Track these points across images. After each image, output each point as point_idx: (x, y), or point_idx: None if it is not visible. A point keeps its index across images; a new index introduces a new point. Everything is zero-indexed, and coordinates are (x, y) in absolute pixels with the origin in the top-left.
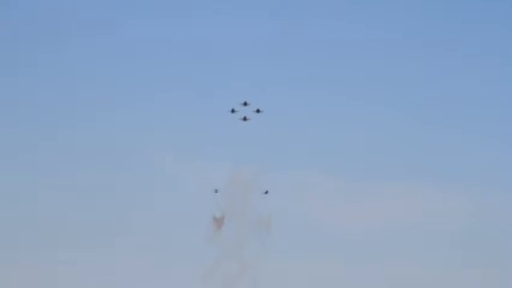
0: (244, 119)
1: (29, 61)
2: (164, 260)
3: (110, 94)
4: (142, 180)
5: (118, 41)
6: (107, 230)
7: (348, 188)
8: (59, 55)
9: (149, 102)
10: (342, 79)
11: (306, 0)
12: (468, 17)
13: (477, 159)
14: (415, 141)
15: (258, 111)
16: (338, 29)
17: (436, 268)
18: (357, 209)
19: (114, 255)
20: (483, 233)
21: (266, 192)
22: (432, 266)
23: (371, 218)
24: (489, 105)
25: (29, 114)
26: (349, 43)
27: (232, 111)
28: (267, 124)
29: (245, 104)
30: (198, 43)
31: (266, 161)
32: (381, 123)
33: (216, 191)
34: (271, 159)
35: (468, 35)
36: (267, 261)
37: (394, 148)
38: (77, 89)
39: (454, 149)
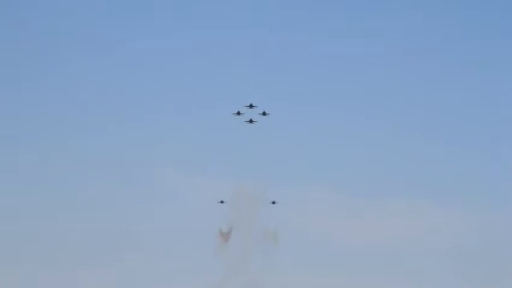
0: (250, 121)
1: (38, 73)
2: (172, 272)
3: (115, 108)
4: (148, 194)
5: (121, 54)
6: (114, 243)
7: (351, 202)
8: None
9: (154, 114)
10: (344, 94)
11: (309, 15)
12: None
13: (480, 175)
14: (417, 156)
15: (264, 113)
16: (339, 44)
17: (438, 283)
18: (359, 224)
19: (120, 268)
20: (486, 249)
21: (273, 203)
22: (434, 281)
23: (373, 232)
24: (494, 124)
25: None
26: (350, 58)
27: (238, 113)
28: (270, 140)
29: (251, 106)
30: (204, 55)
31: (270, 175)
32: (384, 139)
33: (222, 202)
34: (275, 173)
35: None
36: (272, 273)
37: (396, 163)
38: (80, 103)
39: (457, 165)
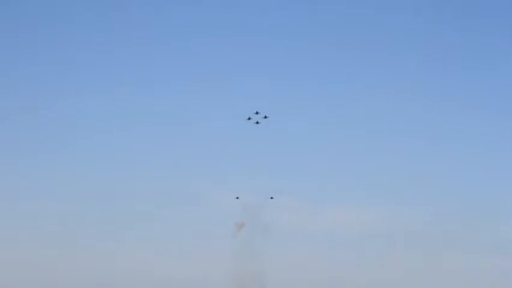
0: (257, 122)
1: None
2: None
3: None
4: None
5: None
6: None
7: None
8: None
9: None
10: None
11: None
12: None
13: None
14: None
15: (265, 117)
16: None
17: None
18: (325, 218)
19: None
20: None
21: (272, 198)
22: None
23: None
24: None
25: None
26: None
27: (249, 118)
28: (270, 136)
29: (257, 113)
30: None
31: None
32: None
33: (237, 197)
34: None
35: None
36: (268, 248)
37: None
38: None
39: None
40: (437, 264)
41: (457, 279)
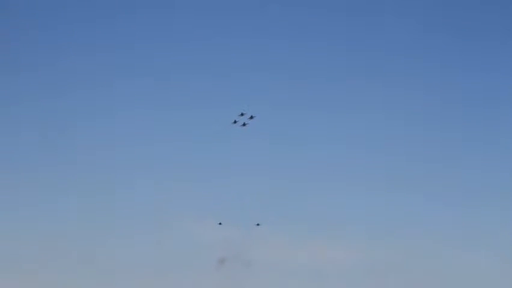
0: (244, 124)
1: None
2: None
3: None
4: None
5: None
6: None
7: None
8: None
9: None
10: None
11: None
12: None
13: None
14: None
15: (251, 117)
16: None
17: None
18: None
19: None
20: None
21: (258, 224)
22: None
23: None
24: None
25: None
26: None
27: (235, 122)
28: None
29: (242, 114)
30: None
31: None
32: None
33: (220, 223)
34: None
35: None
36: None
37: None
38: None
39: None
40: None
41: None
